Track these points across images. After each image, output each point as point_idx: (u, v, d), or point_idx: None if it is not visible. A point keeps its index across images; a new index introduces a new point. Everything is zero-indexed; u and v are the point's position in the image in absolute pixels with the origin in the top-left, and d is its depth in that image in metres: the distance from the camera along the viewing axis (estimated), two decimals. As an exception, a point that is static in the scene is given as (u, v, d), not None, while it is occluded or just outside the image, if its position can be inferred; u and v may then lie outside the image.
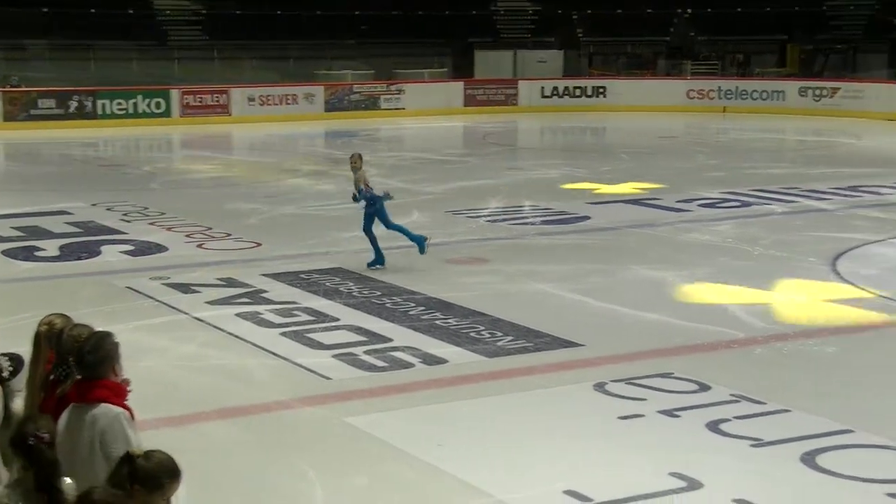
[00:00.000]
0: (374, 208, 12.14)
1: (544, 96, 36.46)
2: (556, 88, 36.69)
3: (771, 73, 37.94)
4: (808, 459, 6.72)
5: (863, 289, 11.28)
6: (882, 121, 30.78)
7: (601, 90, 36.59)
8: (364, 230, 12.29)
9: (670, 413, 7.59)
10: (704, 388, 8.12)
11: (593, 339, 9.50)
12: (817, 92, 33.69)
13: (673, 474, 6.49)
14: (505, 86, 36.57)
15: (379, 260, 12.24)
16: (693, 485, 6.36)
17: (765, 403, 7.74)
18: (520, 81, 36.86)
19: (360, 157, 12.51)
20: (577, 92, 36.62)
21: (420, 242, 12.35)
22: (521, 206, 17.01)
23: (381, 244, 12.26)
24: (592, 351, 9.20)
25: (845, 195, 17.63)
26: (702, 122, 32.62)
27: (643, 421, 7.48)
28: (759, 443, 7.01)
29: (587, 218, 15.83)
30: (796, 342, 9.44)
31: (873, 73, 35.37)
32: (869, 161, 22.36)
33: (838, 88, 33.30)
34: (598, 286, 11.53)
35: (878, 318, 10.19)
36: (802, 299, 10.92)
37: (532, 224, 15.55)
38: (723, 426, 7.32)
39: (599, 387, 8.20)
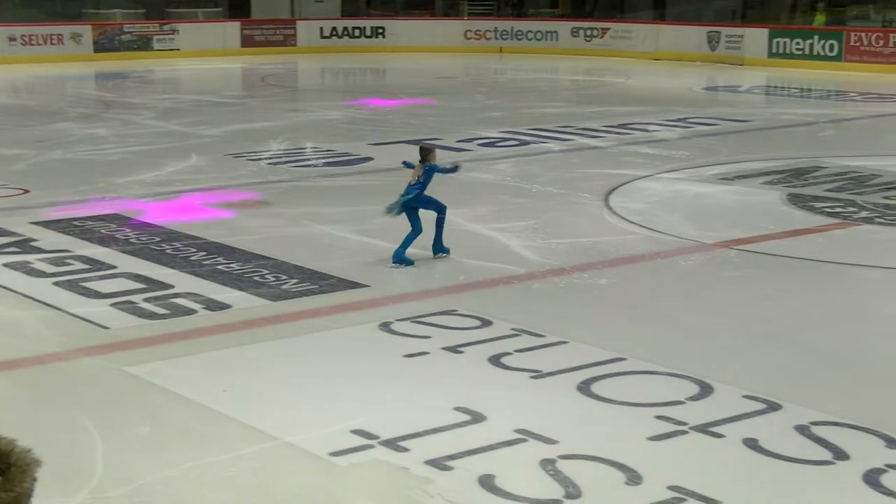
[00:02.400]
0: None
1: (323, 37, 36.09)
2: (335, 29, 36.37)
3: (544, 14, 38.76)
4: (584, 388, 6.99)
5: (633, 223, 11.76)
6: (648, 60, 32.02)
7: (380, 31, 36.52)
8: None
9: (454, 349, 7.74)
10: (487, 323, 8.31)
11: (378, 280, 9.56)
12: (588, 33, 34.68)
13: (458, 409, 6.63)
14: (283, 26, 35.97)
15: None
16: (477, 418, 6.52)
17: (544, 336, 7.99)
18: (298, 22, 36.33)
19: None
20: (357, 32, 36.43)
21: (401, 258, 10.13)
22: (302, 148, 16.86)
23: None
24: (377, 291, 9.26)
25: (617, 133, 18.29)
26: (480, 62, 33.06)
27: (428, 358, 7.60)
28: (538, 374, 7.25)
29: (370, 159, 15.85)
30: (572, 276, 9.78)
31: (640, 15, 36.69)
32: (638, 100, 23.25)
33: (608, 29, 34.39)
34: (383, 227, 11.58)
35: (647, 251, 10.66)
36: (578, 234, 11.29)
37: (314, 166, 15.45)
38: (504, 360, 7.52)
39: (385, 326, 8.27)
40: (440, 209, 10.21)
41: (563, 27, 35.39)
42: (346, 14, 38.00)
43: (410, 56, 34.12)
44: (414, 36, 36.09)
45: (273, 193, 13.46)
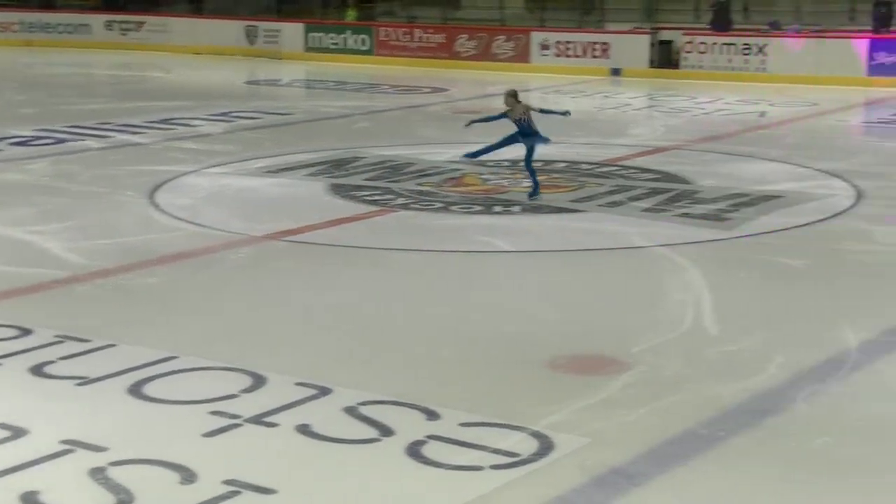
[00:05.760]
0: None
1: None
2: None
3: (76, 5, 37.22)
4: (136, 390, 6.81)
5: (180, 219, 11.62)
6: (188, 54, 31.73)
7: None
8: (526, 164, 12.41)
9: (-9, 362, 7.25)
10: (26, 332, 7.86)
11: None
12: (124, 26, 33.76)
13: (-3, 426, 6.22)
14: None
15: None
16: (18, 433, 6.14)
17: (90, 341, 7.69)
18: None
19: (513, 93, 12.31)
20: None
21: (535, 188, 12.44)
22: None
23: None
24: None
25: (159, 128, 17.98)
26: (6, 56, 31.19)
27: (-40, 375, 7.06)
28: (85, 381, 6.96)
29: None
30: (118, 277, 9.49)
31: (175, 8, 36.21)
32: (179, 94, 22.99)
33: (144, 22, 33.67)
34: None
35: (195, 246, 10.57)
36: (123, 234, 10.98)
37: None
38: (47, 369, 7.16)
39: None
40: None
41: (97, 20, 34.20)
42: None
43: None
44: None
45: None
